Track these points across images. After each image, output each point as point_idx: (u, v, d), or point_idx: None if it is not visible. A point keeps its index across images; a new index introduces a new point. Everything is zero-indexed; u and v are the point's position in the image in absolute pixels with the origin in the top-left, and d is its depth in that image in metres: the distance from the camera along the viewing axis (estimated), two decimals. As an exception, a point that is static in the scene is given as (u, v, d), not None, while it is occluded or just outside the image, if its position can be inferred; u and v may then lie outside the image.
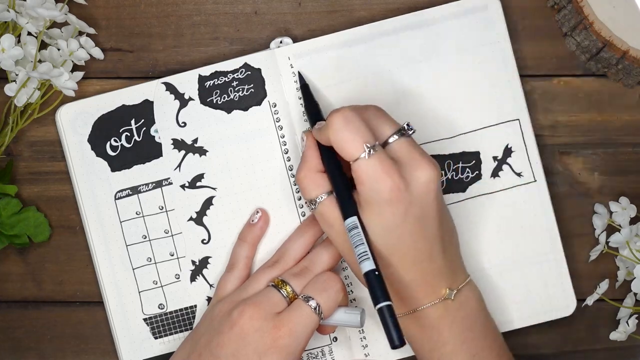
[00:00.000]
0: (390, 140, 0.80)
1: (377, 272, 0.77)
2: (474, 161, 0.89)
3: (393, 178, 0.78)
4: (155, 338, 0.89)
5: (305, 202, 0.82)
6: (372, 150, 0.78)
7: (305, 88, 0.87)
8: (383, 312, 0.76)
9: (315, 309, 0.82)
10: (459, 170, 0.89)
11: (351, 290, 0.89)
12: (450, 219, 0.83)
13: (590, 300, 0.88)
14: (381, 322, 0.76)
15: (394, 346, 0.75)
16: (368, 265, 0.78)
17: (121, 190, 0.89)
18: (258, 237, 0.88)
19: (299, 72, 0.87)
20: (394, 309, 0.76)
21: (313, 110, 0.86)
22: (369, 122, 0.80)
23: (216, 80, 0.88)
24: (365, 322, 0.88)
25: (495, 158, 0.89)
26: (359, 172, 0.78)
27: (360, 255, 0.78)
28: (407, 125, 0.81)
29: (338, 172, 0.81)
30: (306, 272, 0.84)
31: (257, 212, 0.88)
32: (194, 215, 0.89)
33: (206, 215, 0.89)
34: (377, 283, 0.77)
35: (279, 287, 0.83)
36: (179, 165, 0.89)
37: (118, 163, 0.88)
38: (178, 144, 0.89)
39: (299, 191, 0.88)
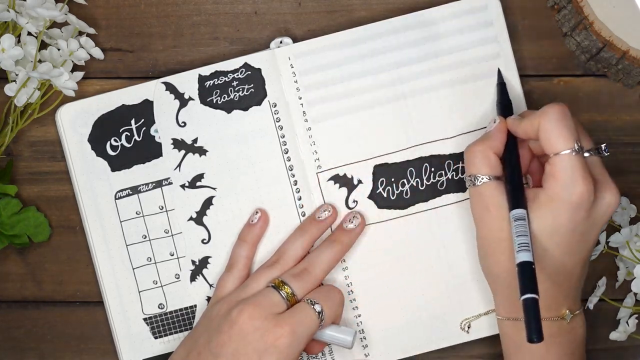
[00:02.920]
0: (586, 154, 0.81)
1: (533, 265, 0.77)
2: (474, 161, 0.89)
3: (588, 185, 0.78)
4: (155, 338, 0.89)
5: (468, 176, 0.82)
6: (580, 150, 0.79)
7: (502, 85, 0.87)
8: (528, 303, 0.76)
9: (319, 313, 0.82)
10: (459, 170, 0.89)
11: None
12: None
13: (591, 304, 0.88)
14: (524, 314, 0.76)
15: (530, 339, 0.75)
16: (526, 256, 0.77)
17: (121, 190, 0.89)
18: (258, 237, 0.88)
19: (498, 70, 0.88)
20: (539, 304, 0.76)
21: (507, 105, 0.86)
22: None
23: (216, 80, 0.88)
24: (365, 323, 0.88)
25: (495, 158, 0.89)
26: (559, 166, 0.78)
27: (521, 245, 0.78)
28: (605, 146, 0.82)
29: (517, 162, 0.82)
30: (306, 273, 0.84)
31: (257, 212, 0.88)
32: (194, 215, 0.89)
33: (206, 215, 0.89)
34: (529, 275, 0.77)
35: (278, 288, 0.83)
36: (179, 165, 0.89)
37: (118, 163, 0.88)
38: (178, 144, 0.89)
39: (299, 191, 0.89)
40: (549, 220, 0.79)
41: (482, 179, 0.81)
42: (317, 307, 0.82)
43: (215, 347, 0.81)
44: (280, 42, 0.89)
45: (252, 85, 0.88)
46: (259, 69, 0.88)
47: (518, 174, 0.81)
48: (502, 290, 0.83)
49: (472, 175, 0.82)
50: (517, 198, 0.80)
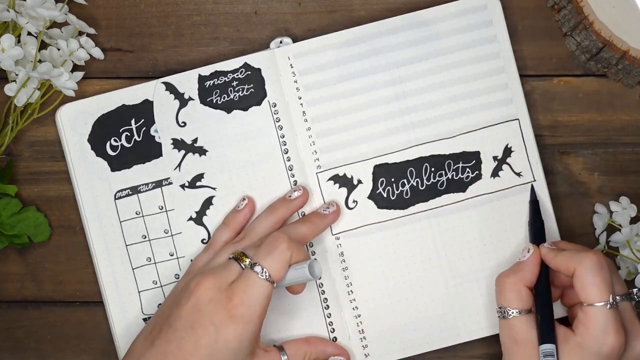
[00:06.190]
0: (617, 299, 0.80)
1: None
2: (474, 161, 0.89)
3: (620, 339, 0.79)
4: (155, 338, 0.89)
5: (498, 307, 0.82)
6: (615, 303, 0.79)
7: (535, 204, 0.87)
8: None
9: (261, 274, 0.81)
10: (459, 170, 0.89)
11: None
12: None
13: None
14: None
15: None
16: None
17: (121, 190, 0.89)
18: (240, 224, 0.87)
19: (531, 186, 0.88)
20: None
21: (539, 227, 0.86)
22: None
23: (216, 80, 0.88)
24: (365, 323, 0.88)
25: (495, 158, 0.89)
26: (592, 318, 0.79)
27: None
28: (637, 291, 0.82)
29: (548, 298, 0.82)
30: (269, 245, 0.83)
31: (244, 199, 0.88)
32: (194, 215, 0.89)
33: (206, 215, 0.89)
34: None
35: (238, 259, 0.82)
36: (179, 165, 0.89)
37: (118, 163, 0.89)
38: (178, 144, 0.89)
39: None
40: None
41: (513, 312, 0.81)
42: (258, 269, 0.80)
43: (175, 320, 0.81)
44: (280, 42, 0.89)
45: (252, 85, 0.89)
46: (259, 69, 0.88)
47: (549, 306, 0.82)
48: None
49: (502, 307, 0.82)
50: (547, 333, 0.80)
